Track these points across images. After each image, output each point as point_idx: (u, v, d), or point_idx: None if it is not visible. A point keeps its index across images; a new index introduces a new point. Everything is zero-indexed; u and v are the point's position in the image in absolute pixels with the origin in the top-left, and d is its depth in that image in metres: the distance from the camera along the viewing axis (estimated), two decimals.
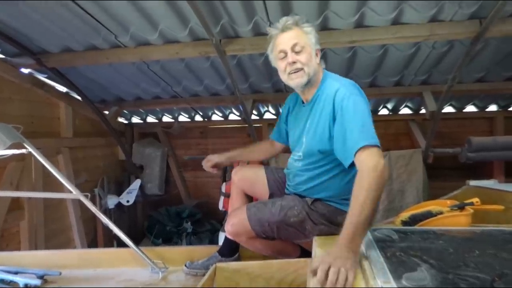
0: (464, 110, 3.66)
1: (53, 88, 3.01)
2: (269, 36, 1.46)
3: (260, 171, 1.72)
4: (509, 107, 3.57)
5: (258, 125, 3.92)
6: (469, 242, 1.11)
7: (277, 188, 1.67)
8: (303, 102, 1.52)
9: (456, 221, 1.31)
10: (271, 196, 1.68)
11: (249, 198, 1.77)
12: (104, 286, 1.60)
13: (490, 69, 2.80)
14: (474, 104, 3.59)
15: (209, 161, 1.79)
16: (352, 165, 1.23)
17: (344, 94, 1.29)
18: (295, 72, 1.38)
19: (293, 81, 1.40)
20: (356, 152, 1.19)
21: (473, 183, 2.13)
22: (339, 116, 1.28)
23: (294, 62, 1.37)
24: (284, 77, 1.44)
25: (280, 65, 1.43)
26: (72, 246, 3.05)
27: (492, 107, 3.61)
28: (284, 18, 1.41)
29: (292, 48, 1.37)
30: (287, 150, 1.72)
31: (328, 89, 1.38)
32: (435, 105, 2.86)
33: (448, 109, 3.61)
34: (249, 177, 1.72)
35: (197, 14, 1.87)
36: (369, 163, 1.13)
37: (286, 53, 1.38)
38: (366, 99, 1.36)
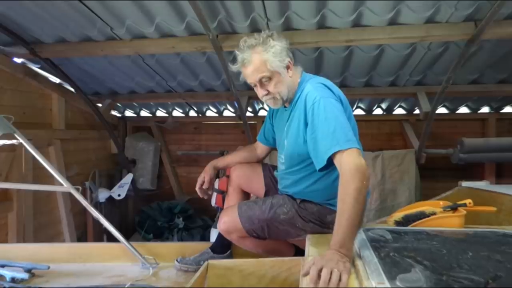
0: (457, 112, 3.70)
1: (46, 79, 2.96)
2: (233, 69, 1.45)
3: (258, 168, 1.73)
4: (501, 109, 3.61)
5: (253, 122, 3.90)
6: (462, 244, 1.11)
7: (273, 185, 1.68)
8: (285, 106, 1.51)
9: (449, 222, 1.31)
10: (266, 193, 1.69)
11: (246, 195, 1.77)
12: (94, 281, 1.58)
13: (483, 71, 2.83)
14: (467, 106, 3.62)
15: (211, 182, 1.69)
16: (323, 169, 1.26)
17: (315, 97, 1.28)
18: (268, 100, 1.42)
19: (271, 105, 1.46)
20: (331, 157, 1.19)
21: (465, 184, 2.15)
22: (310, 120, 1.29)
23: (265, 94, 1.40)
24: (263, 100, 1.46)
25: (256, 92, 1.44)
26: (61, 240, 3.01)
27: (485, 109, 3.65)
28: (241, 49, 1.37)
29: (259, 81, 1.37)
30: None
31: (303, 93, 1.37)
32: (429, 106, 2.88)
33: (441, 110, 3.64)
34: (246, 174, 1.72)
35: (195, 8, 1.85)
36: (350, 165, 1.12)
37: (255, 85, 1.40)
38: (341, 98, 1.34)
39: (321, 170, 1.27)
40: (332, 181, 1.40)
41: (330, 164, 1.22)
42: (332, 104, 1.27)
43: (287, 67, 1.38)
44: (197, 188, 1.68)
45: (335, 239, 1.04)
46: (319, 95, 1.28)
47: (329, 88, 1.34)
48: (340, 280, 0.91)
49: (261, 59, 1.33)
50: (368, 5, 1.96)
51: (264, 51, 1.33)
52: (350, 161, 1.13)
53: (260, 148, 1.79)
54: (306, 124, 1.32)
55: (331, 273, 0.92)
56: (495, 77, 2.92)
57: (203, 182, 1.67)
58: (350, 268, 0.97)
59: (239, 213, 1.51)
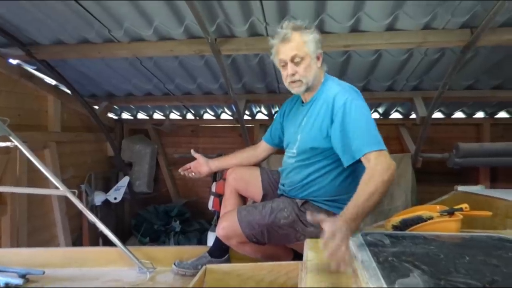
0: (452, 116, 3.73)
1: (42, 80, 2.94)
2: (270, 43, 1.50)
3: (255, 172, 1.73)
4: (496, 114, 3.65)
5: (250, 125, 3.91)
6: (459, 248, 1.12)
7: (271, 189, 1.68)
8: (302, 102, 1.57)
9: (446, 227, 1.32)
10: (264, 197, 1.68)
11: (243, 199, 1.77)
12: (90, 286, 1.57)
13: (478, 77, 2.86)
14: (462, 111, 3.66)
15: (200, 167, 1.79)
16: (351, 165, 1.31)
17: (346, 98, 1.34)
18: (294, 82, 1.44)
19: (293, 89, 1.48)
20: (364, 155, 1.24)
21: (461, 188, 2.17)
22: (339, 119, 1.33)
23: (293, 74, 1.43)
24: (285, 84, 1.50)
25: (282, 73, 1.49)
26: (55, 244, 2.98)
27: (479, 114, 3.69)
28: (284, 27, 1.44)
29: (291, 59, 1.42)
30: (279, 152, 1.76)
31: (328, 91, 1.44)
32: (425, 110, 2.91)
33: (437, 114, 3.67)
34: (244, 177, 1.72)
35: (194, 12, 1.85)
36: (383, 163, 1.19)
37: (286, 63, 1.44)
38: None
39: (348, 166, 1.33)
40: (340, 181, 1.46)
41: (357, 161, 1.28)
42: (363, 107, 1.34)
43: (317, 58, 1.45)
44: (184, 166, 1.80)
45: (349, 211, 1.08)
46: (351, 96, 1.35)
47: (358, 93, 1.41)
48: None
49: (301, 39, 1.41)
50: (366, 11, 1.98)
51: (306, 34, 1.42)
52: (383, 160, 1.20)
53: (263, 147, 1.81)
54: (331, 121, 1.36)
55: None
56: (489, 83, 2.95)
57: (191, 166, 1.80)
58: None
59: (239, 218, 1.50)
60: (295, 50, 1.40)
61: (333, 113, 1.35)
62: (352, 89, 1.42)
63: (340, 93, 1.37)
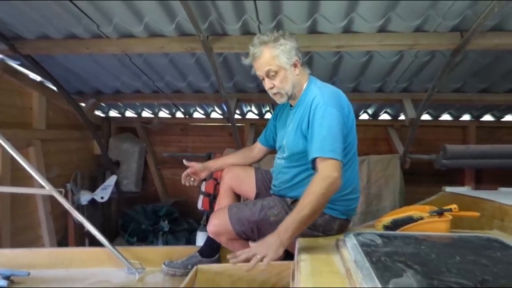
0: (440, 119, 3.80)
1: (26, 76, 2.85)
2: (243, 62, 1.57)
3: (250, 171, 1.76)
4: (481, 117, 3.73)
5: (240, 124, 3.89)
6: (449, 248, 1.14)
7: (264, 188, 1.71)
8: (291, 105, 1.60)
9: (436, 227, 1.35)
10: (257, 195, 1.71)
11: (237, 197, 1.79)
12: (77, 287, 1.53)
13: (467, 81, 2.91)
14: (449, 113, 3.73)
15: (198, 174, 1.77)
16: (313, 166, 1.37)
17: (318, 102, 1.39)
18: (275, 94, 1.52)
19: (277, 100, 1.56)
20: (315, 159, 1.32)
21: (448, 189, 2.21)
22: (310, 122, 1.39)
23: (271, 88, 1.50)
24: (270, 94, 1.55)
25: (264, 86, 1.55)
26: (40, 244, 2.90)
27: (466, 117, 3.77)
28: (253, 45, 1.48)
29: (267, 74, 1.47)
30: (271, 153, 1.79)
31: (309, 95, 1.47)
32: (414, 112, 2.94)
33: (425, 116, 3.72)
34: (239, 176, 1.75)
35: (186, 9, 1.82)
36: (323, 173, 1.27)
37: (263, 78, 1.50)
38: (344, 110, 1.42)
39: (313, 168, 1.37)
40: None
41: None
42: (331, 113, 1.35)
43: (294, 65, 1.48)
44: (183, 175, 1.78)
45: (283, 223, 1.23)
46: (323, 101, 1.37)
47: (336, 98, 1.42)
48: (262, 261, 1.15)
49: (270, 55, 1.45)
50: (359, 12, 1.99)
51: (274, 48, 1.45)
52: (325, 169, 1.27)
53: (258, 149, 1.84)
54: (308, 124, 1.41)
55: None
56: (477, 86, 3.01)
57: (189, 173, 1.79)
58: (280, 253, 1.20)
59: (230, 215, 1.52)
60: (267, 66, 1.45)
61: (309, 116, 1.40)
62: (331, 94, 1.43)
63: (317, 97, 1.41)
